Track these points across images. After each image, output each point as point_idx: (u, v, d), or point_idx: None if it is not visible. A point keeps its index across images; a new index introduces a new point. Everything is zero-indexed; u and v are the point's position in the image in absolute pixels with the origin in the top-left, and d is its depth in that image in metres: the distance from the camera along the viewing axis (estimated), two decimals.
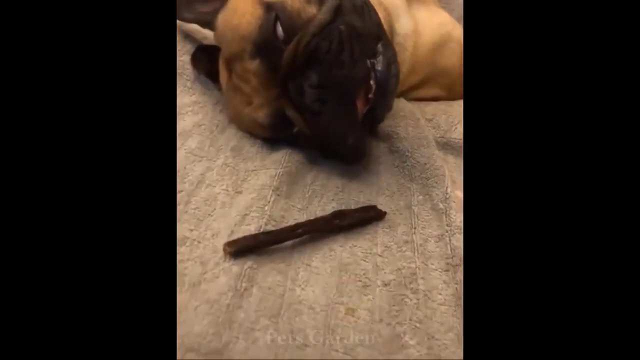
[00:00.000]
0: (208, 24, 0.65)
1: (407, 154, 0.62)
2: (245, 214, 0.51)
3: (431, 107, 0.72)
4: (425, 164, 0.60)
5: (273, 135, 0.60)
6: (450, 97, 0.79)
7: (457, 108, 0.72)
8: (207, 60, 0.67)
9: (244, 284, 0.45)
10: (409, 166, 0.61)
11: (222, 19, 0.61)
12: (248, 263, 0.46)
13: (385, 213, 0.55)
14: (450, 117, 0.69)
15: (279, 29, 0.54)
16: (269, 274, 0.47)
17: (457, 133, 0.67)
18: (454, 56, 0.77)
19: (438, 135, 0.67)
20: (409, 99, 0.74)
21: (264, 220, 0.51)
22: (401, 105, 0.69)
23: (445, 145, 0.67)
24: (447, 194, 0.56)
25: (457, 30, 0.78)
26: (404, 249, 0.52)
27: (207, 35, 0.72)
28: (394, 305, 0.46)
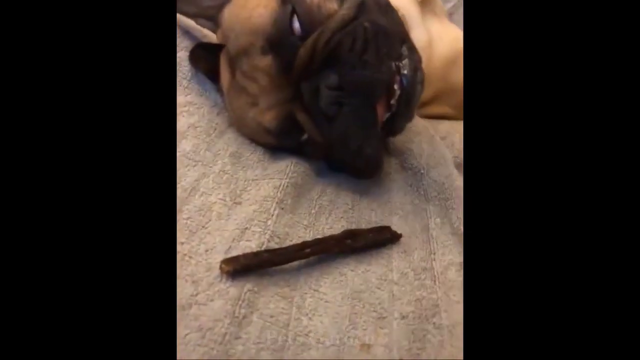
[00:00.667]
0: (212, 19, 0.59)
1: (422, 171, 0.57)
2: (246, 228, 0.44)
3: (444, 125, 0.68)
4: (443, 183, 0.55)
5: (279, 142, 0.54)
6: (459, 117, 0.74)
7: None
8: (207, 58, 0.61)
9: (242, 310, 0.38)
10: (425, 185, 0.56)
11: (229, 12, 0.55)
12: (248, 285, 0.40)
13: (400, 235, 0.49)
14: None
15: (296, 24, 0.48)
16: (271, 299, 0.40)
17: None
18: None
19: (452, 155, 0.62)
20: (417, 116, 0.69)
21: (267, 236, 0.44)
22: (414, 121, 0.64)
23: (459, 167, 0.61)
24: None
25: None
26: (422, 276, 0.46)
27: (207, 34, 0.66)
28: (414, 342, 0.40)
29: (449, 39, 0.73)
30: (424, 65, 0.69)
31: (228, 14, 0.55)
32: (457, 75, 0.72)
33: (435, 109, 0.74)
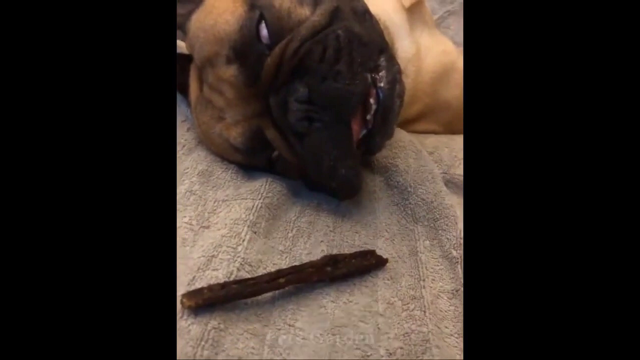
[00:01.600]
0: (181, 27, 0.55)
1: (409, 189, 0.52)
2: (212, 256, 0.39)
3: (432, 140, 0.64)
4: (432, 202, 0.50)
5: (248, 159, 0.49)
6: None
7: (460, 142, 0.63)
8: (177, 70, 0.56)
9: (205, 352, 0.33)
10: (412, 204, 0.51)
11: (196, 19, 0.51)
12: (213, 322, 0.35)
13: (386, 260, 0.45)
14: (453, 152, 0.61)
15: (264, 31, 0.44)
16: (240, 337, 0.35)
17: (462, 169, 0.58)
18: (456, 89, 0.69)
19: (441, 171, 0.58)
20: None
21: (237, 264, 0.39)
22: (399, 135, 0.60)
23: (448, 183, 0.57)
24: (459, 239, 0.47)
25: (461, 61, 0.71)
26: (411, 306, 0.41)
27: (179, 44, 0.62)
28: None
29: (439, 51, 0.69)
30: (411, 79, 0.65)
31: (194, 22, 0.51)
32: (447, 90, 0.69)
33: (423, 126, 0.70)
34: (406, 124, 0.67)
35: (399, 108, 0.46)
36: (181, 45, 0.59)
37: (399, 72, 0.46)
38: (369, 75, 0.44)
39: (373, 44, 0.45)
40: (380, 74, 0.44)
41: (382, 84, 0.44)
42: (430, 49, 0.68)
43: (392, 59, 0.46)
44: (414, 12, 0.70)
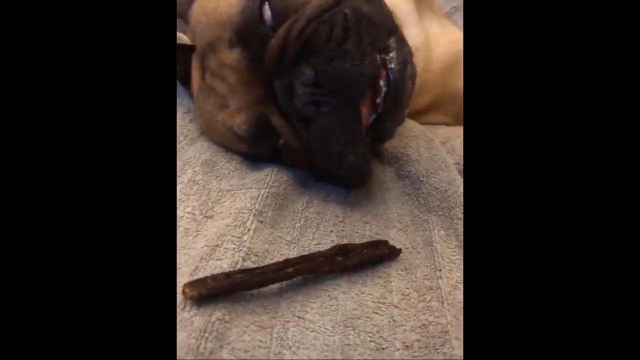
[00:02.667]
0: (182, 15, 0.54)
1: (421, 179, 0.50)
2: (216, 245, 0.37)
3: (444, 130, 0.61)
4: (446, 190, 0.48)
5: (252, 149, 0.47)
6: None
7: None
8: (178, 61, 0.55)
9: (209, 344, 0.31)
10: (425, 194, 0.49)
11: (198, 4, 0.49)
12: (217, 314, 0.32)
13: (399, 250, 0.42)
14: None
15: (267, 12, 0.42)
16: (246, 329, 0.33)
17: None
18: None
19: (453, 162, 0.55)
20: None
21: (242, 254, 0.37)
22: (410, 124, 0.58)
23: (461, 174, 0.55)
24: None
25: None
26: (427, 298, 0.39)
27: (179, 35, 0.60)
28: None
29: (449, 41, 0.67)
30: (420, 68, 0.63)
31: (196, 7, 0.49)
32: (457, 80, 0.66)
33: (432, 118, 0.68)
34: (416, 115, 0.65)
35: (411, 91, 0.44)
36: (181, 37, 0.58)
37: (410, 53, 0.44)
38: (378, 56, 0.41)
39: (382, 25, 0.43)
40: (390, 54, 0.42)
41: (392, 65, 0.42)
42: (439, 38, 0.66)
43: (402, 40, 0.44)
44: (422, 1, 0.68)
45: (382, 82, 0.42)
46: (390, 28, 0.44)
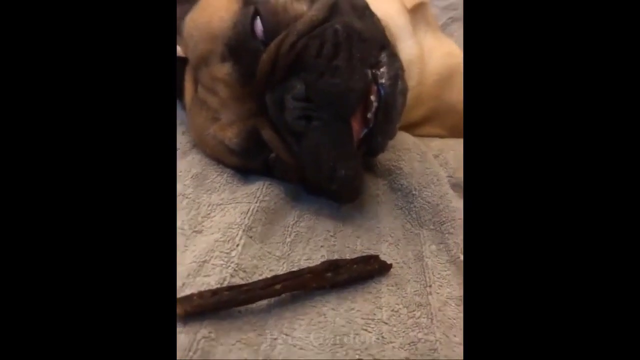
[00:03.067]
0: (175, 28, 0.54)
1: (413, 192, 0.50)
2: (204, 261, 0.37)
3: (437, 143, 0.61)
4: (438, 204, 0.48)
5: (244, 162, 0.47)
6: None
7: None
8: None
9: None
10: (417, 208, 0.49)
11: (190, 18, 0.49)
12: (203, 331, 0.32)
13: (390, 265, 0.42)
14: (459, 155, 0.58)
15: (259, 27, 0.43)
16: (232, 347, 0.33)
17: None
18: (461, 92, 0.66)
19: (446, 175, 0.55)
20: None
21: (230, 270, 0.37)
22: (403, 137, 0.58)
23: (454, 187, 0.55)
24: None
25: None
26: (417, 314, 0.39)
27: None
28: None
29: (443, 53, 0.67)
30: (415, 81, 0.63)
31: (189, 21, 0.49)
32: (452, 93, 0.66)
33: (427, 130, 0.68)
34: (410, 128, 0.65)
35: (402, 106, 0.44)
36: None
37: (401, 68, 0.44)
38: (369, 71, 0.42)
39: (373, 40, 0.43)
40: (381, 69, 0.42)
41: (383, 80, 0.42)
42: (434, 51, 0.66)
43: (393, 56, 0.45)
44: (416, 13, 0.68)
45: (373, 97, 0.42)
46: (381, 43, 0.45)
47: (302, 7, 0.44)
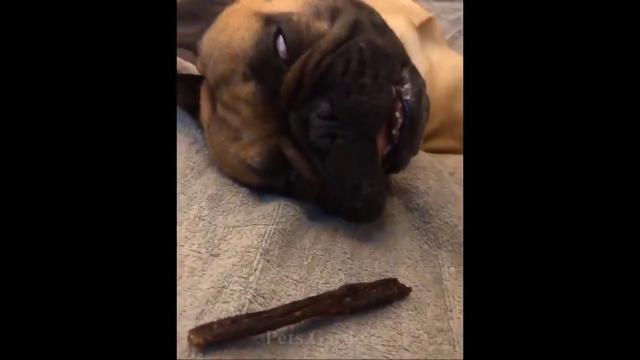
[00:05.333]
0: (190, 47, 0.53)
1: (430, 212, 0.49)
2: (223, 287, 0.37)
3: (452, 160, 0.61)
4: (456, 225, 0.47)
5: (265, 181, 0.47)
6: None
7: None
8: (186, 91, 0.55)
9: None
10: (434, 228, 0.48)
11: (208, 37, 0.49)
12: None
13: (409, 289, 0.41)
14: None
15: (282, 46, 0.42)
16: None
17: None
18: None
19: (461, 193, 0.55)
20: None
21: (249, 296, 0.36)
22: (418, 155, 0.57)
23: None
24: None
25: None
26: (438, 340, 0.38)
27: (187, 66, 0.60)
28: None
29: (451, 67, 0.68)
30: None
31: (207, 40, 0.49)
32: (461, 104, 0.66)
33: (439, 143, 0.68)
34: (422, 141, 0.65)
35: (426, 121, 0.44)
36: (189, 67, 0.58)
37: (424, 84, 0.44)
38: (394, 88, 0.41)
39: (396, 57, 0.43)
40: (405, 86, 0.42)
41: (408, 97, 0.42)
42: (442, 65, 0.67)
43: (415, 71, 0.44)
44: (424, 30, 0.68)
45: (398, 114, 0.41)
46: (403, 59, 0.44)
47: (323, 25, 0.44)
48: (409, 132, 0.41)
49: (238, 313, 0.35)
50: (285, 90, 0.41)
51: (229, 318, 0.33)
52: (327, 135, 0.40)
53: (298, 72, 0.40)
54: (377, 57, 0.40)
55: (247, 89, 0.43)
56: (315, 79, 0.40)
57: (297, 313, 0.35)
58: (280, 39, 0.42)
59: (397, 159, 0.43)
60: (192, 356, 0.31)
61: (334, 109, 0.39)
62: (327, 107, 0.39)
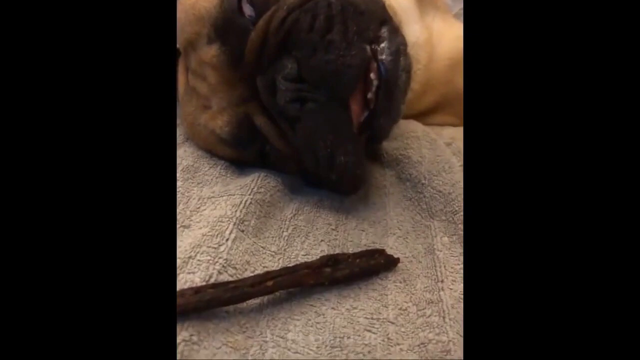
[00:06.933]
0: None
1: (423, 181, 0.46)
2: (189, 257, 0.34)
3: (449, 131, 0.57)
4: (450, 193, 0.44)
5: (237, 153, 0.44)
6: None
7: None
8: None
9: None
10: (427, 198, 0.45)
11: (178, 2, 0.46)
12: (184, 334, 0.29)
13: (397, 260, 0.38)
14: None
15: (247, 6, 0.39)
16: (217, 351, 0.29)
17: None
18: None
19: (459, 164, 0.51)
20: None
21: (218, 266, 0.33)
22: (411, 125, 0.54)
23: None
24: None
25: None
26: (427, 312, 0.35)
27: None
28: None
29: (453, 37, 0.63)
30: (423, 66, 0.60)
31: (177, 5, 0.46)
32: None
33: (440, 119, 0.64)
34: (421, 117, 0.61)
35: (406, 84, 0.40)
36: None
37: (404, 43, 0.40)
38: (367, 47, 0.38)
39: (372, 14, 0.40)
40: (381, 45, 0.39)
41: (383, 56, 0.38)
42: (443, 35, 0.63)
43: (395, 30, 0.41)
44: None
45: (372, 75, 0.38)
46: (382, 18, 0.41)
47: None
48: (386, 95, 0.38)
49: (204, 283, 0.32)
50: (249, 51, 0.38)
51: (191, 288, 0.31)
52: (296, 100, 0.37)
53: (262, 30, 0.37)
54: (347, 12, 0.37)
55: (211, 52, 0.40)
56: (281, 38, 0.37)
57: (270, 283, 0.32)
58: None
59: (375, 126, 0.39)
60: None
61: (301, 70, 0.36)
62: (294, 67, 0.36)
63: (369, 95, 0.38)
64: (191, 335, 0.29)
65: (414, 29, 0.59)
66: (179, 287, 0.31)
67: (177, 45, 0.48)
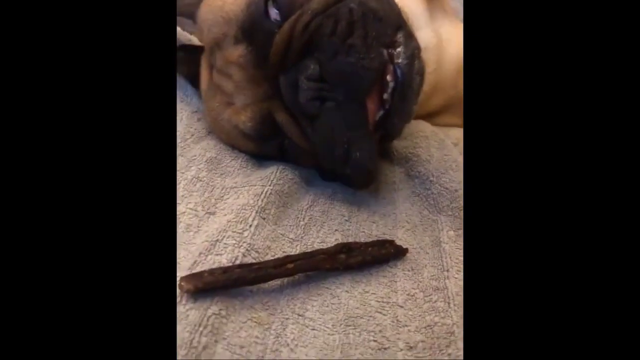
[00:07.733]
0: (191, 16, 0.54)
1: (431, 179, 0.49)
2: (217, 240, 0.37)
3: (456, 131, 0.60)
4: (456, 190, 0.47)
5: (258, 146, 0.47)
6: None
7: None
8: (188, 61, 0.55)
9: (204, 339, 0.30)
10: (435, 194, 0.48)
11: (204, 3, 0.49)
12: (213, 308, 0.32)
13: (406, 250, 0.41)
14: None
15: (273, 9, 0.42)
16: (243, 325, 0.32)
17: None
18: None
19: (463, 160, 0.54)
20: None
21: (242, 249, 0.36)
22: (420, 125, 0.57)
23: None
24: None
25: None
26: (434, 298, 0.38)
27: (191, 37, 0.61)
28: None
29: (461, 41, 0.66)
30: (432, 69, 0.62)
31: (203, 6, 0.49)
32: None
33: (446, 120, 0.67)
34: (429, 118, 0.64)
35: (419, 86, 0.43)
36: (190, 38, 0.58)
37: (418, 48, 0.43)
38: (385, 51, 0.41)
39: (389, 19, 0.42)
40: (397, 49, 0.42)
41: (399, 60, 0.41)
42: (451, 39, 0.65)
43: (410, 35, 0.44)
44: (433, 2, 0.67)
45: (389, 77, 0.41)
46: (397, 23, 0.44)
47: None
48: (400, 96, 0.41)
49: (230, 264, 0.35)
50: (274, 52, 0.41)
51: (220, 268, 0.34)
52: (316, 99, 0.40)
53: (287, 33, 0.40)
54: (367, 18, 0.40)
55: (238, 52, 0.43)
56: (304, 41, 0.40)
57: (290, 266, 0.35)
58: (271, 1, 0.42)
59: (389, 125, 0.42)
60: (183, 302, 0.32)
61: (322, 71, 0.39)
62: (316, 68, 0.39)
63: (385, 96, 0.41)
64: (220, 309, 0.32)
65: (424, 34, 0.62)
66: (208, 267, 0.34)
67: (202, 44, 0.51)
